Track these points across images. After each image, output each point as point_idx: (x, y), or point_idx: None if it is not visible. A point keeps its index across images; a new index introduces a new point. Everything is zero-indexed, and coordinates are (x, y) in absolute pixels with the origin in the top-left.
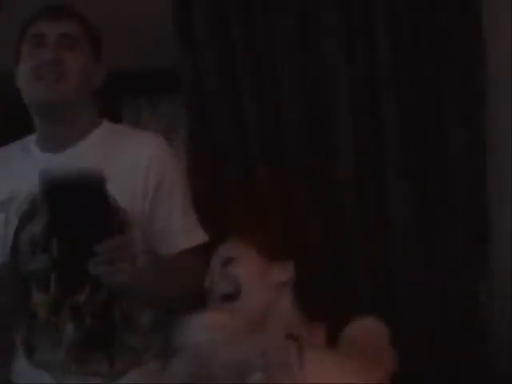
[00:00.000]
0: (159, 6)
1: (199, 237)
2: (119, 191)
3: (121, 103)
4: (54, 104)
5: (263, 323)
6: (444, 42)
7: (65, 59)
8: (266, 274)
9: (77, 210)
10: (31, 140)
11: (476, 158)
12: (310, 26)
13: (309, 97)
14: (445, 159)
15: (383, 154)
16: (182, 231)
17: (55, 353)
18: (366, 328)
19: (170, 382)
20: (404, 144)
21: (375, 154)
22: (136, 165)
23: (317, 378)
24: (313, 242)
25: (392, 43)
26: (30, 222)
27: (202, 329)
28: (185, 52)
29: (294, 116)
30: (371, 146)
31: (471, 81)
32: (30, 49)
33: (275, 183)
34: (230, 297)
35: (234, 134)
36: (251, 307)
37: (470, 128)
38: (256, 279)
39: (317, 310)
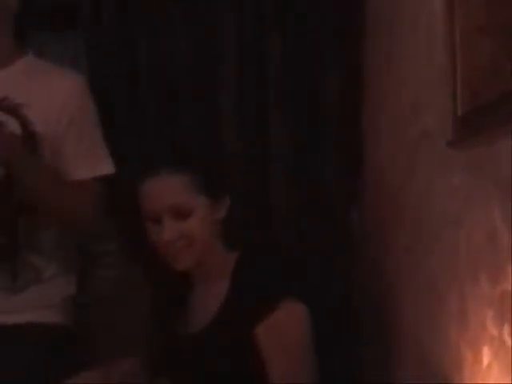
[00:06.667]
0: None
1: (103, 168)
2: (35, 115)
3: (24, 38)
4: None
5: None
6: None
7: None
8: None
9: None
10: None
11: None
12: None
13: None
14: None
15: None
16: (87, 161)
17: None
18: None
19: None
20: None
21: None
22: (55, 95)
23: None
24: None
25: None
26: None
27: None
28: None
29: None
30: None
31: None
32: None
33: None
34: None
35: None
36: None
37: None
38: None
39: None
